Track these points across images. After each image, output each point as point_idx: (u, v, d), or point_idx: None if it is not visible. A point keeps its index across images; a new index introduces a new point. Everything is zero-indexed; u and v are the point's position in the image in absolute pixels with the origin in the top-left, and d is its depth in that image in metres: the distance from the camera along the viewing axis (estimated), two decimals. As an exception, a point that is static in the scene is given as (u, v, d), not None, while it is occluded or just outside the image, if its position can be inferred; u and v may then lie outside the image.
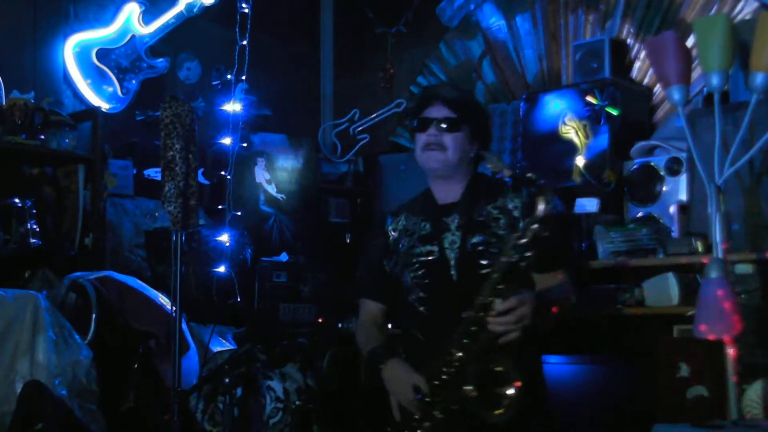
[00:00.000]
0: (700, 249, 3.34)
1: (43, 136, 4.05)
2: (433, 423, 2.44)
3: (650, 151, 3.76)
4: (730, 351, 2.88)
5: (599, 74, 4.00)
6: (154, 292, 3.84)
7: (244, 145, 4.47)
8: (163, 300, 3.78)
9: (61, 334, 3.31)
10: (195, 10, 4.66)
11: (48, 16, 4.49)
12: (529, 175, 2.43)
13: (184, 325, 3.74)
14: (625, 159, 3.78)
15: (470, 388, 2.35)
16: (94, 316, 3.53)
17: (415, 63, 5.27)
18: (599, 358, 3.54)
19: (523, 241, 2.31)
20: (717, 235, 2.98)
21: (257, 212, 4.69)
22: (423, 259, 2.63)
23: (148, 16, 4.69)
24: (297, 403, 3.62)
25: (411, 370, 2.51)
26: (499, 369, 2.34)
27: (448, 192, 2.68)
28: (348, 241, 4.99)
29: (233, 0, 4.16)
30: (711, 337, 2.87)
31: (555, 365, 3.29)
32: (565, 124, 3.99)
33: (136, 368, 3.60)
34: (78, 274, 3.74)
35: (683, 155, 3.56)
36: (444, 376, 2.41)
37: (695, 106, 3.62)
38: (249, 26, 4.08)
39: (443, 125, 2.62)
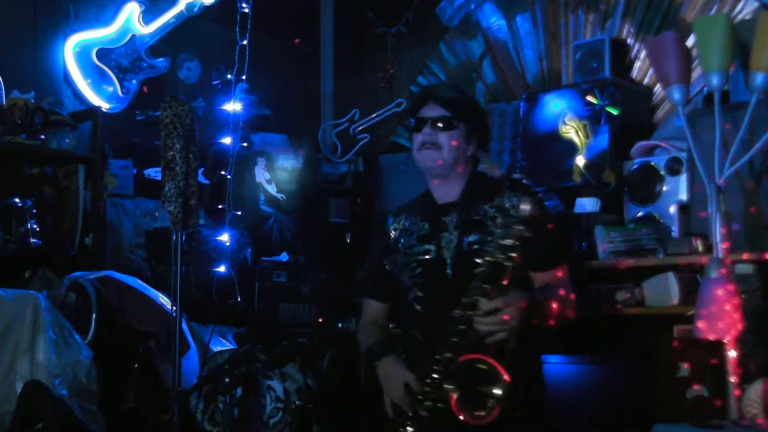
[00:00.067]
0: (700, 249, 3.34)
1: (43, 136, 4.05)
2: (422, 421, 2.45)
3: (650, 151, 3.75)
4: (730, 351, 2.88)
5: (599, 74, 4.00)
6: (154, 292, 3.84)
7: (244, 145, 4.47)
8: (163, 300, 3.78)
9: (61, 334, 3.31)
10: (195, 10, 4.66)
11: (48, 16, 4.49)
12: (515, 176, 2.45)
13: (184, 325, 3.74)
14: (625, 159, 3.78)
15: (451, 387, 2.37)
16: (94, 316, 3.53)
17: (415, 63, 5.27)
18: (599, 358, 3.54)
19: (508, 241, 2.32)
20: (717, 235, 2.98)
21: (257, 212, 4.70)
22: (420, 258, 2.65)
23: (148, 16, 4.69)
24: (297, 403, 3.62)
25: (404, 367, 2.53)
26: (482, 367, 2.35)
27: (447, 191, 2.69)
28: (348, 241, 4.99)
29: (233, 0, 4.16)
30: (711, 337, 2.87)
31: (555, 365, 3.29)
32: (565, 124, 3.99)
33: (136, 368, 3.60)
34: (78, 274, 3.74)
35: (683, 155, 3.56)
36: (434, 375, 2.42)
37: (695, 106, 3.62)
38: (249, 26, 4.08)
39: (439, 124, 2.64)
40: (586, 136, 3.91)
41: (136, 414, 3.55)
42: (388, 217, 2.83)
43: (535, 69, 4.67)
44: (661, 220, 3.58)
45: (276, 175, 4.80)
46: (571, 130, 3.97)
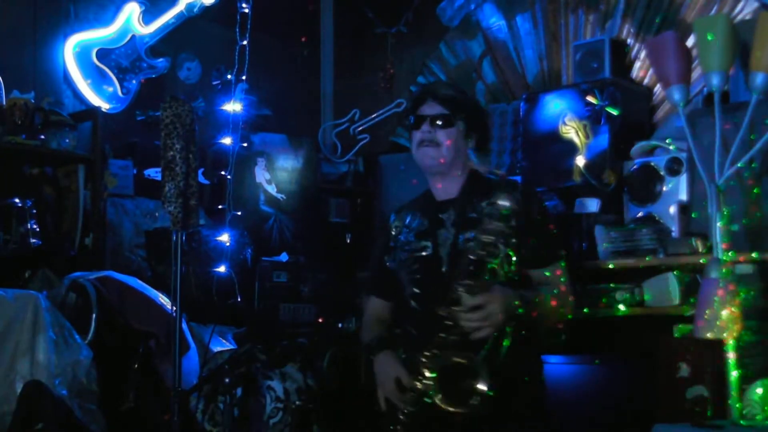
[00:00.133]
0: (700, 249, 3.34)
1: (43, 136, 4.05)
2: (412, 415, 2.46)
3: (650, 151, 3.75)
4: (730, 351, 2.88)
5: (599, 74, 4.00)
6: (154, 292, 3.84)
7: (244, 145, 4.47)
8: (163, 300, 3.78)
9: (61, 334, 3.31)
10: (195, 10, 4.66)
11: (48, 16, 4.49)
12: (499, 172, 2.48)
13: (184, 325, 3.74)
14: (625, 159, 3.78)
15: (429, 383, 2.38)
16: (94, 316, 3.53)
17: (415, 63, 5.27)
18: (599, 358, 3.53)
19: (487, 238, 2.34)
20: (717, 235, 2.98)
21: (257, 212, 4.69)
22: (417, 254, 2.66)
23: (148, 16, 4.69)
24: (297, 403, 3.62)
25: (397, 363, 2.55)
26: (461, 362, 2.36)
27: (446, 189, 2.70)
28: (348, 241, 4.99)
29: (233, 0, 4.16)
30: (711, 336, 2.87)
31: (555, 365, 3.29)
32: (565, 124, 3.99)
33: (136, 368, 3.60)
34: (78, 274, 3.74)
35: (683, 155, 3.56)
36: (421, 370, 2.44)
37: (695, 106, 3.61)
38: (249, 26, 4.08)
39: (438, 122, 2.65)
40: (586, 137, 3.91)
41: (136, 414, 3.55)
42: (391, 214, 2.85)
43: (536, 69, 4.67)
44: (661, 220, 3.58)
45: (276, 175, 4.80)
46: (571, 131, 3.97)
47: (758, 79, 2.99)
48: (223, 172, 4.27)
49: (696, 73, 3.62)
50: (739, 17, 3.80)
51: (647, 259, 3.45)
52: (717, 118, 3.04)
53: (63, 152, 4.13)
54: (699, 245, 3.34)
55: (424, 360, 2.43)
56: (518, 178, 4.07)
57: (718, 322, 2.84)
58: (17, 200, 3.76)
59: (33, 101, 4.05)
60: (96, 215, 4.21)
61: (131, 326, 3.64)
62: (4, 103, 4.00)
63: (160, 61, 4.73)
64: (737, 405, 2.86)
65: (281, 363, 3.67)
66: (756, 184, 3.20)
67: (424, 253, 2.65)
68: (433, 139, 2.64)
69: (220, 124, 4.44)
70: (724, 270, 2.89)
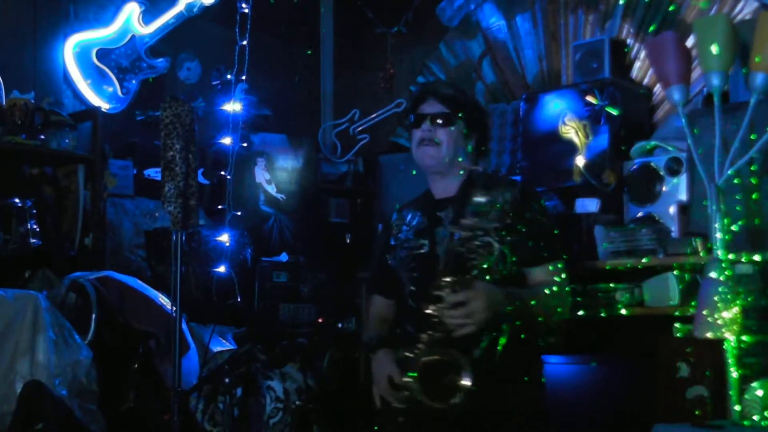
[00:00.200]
0: (700, 249, 3.34)
1: (43, 136, 4.05)
2: (405, 413, 2.47)
3: (650, 151, 3.75)
4: (730, 351, 2.88)
5: (599, 74, 4.00)
6: (154, 292, 3.84)
7: (244, 145, 4.47)
8: (163, 300, 3.78)
9: (61, 334, 3.31)
10: (195, 10, 4.66)
11: (48, 16, 4.49)
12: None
13: (184, 325, 3.74)
14: (625, 159, 3.78)
15: (409, 379, 2.39)
16: (94, 316, 3.53)
17: (415, 63, 5.27)
18: (599, 358, 3.54)
19: (466, 233, 2.35)
20: (717, 235, 2.98)
21: (257, 212, 4.69)
22: (415, 252, 2.67)
23: (148, 16, 4.69)
24: (297, 403, 3.62)
25: (391, 361, 2.56)
26: (443, 358, 2.36)
27: (446, 187, 2.71)
28: (348, 241, 4.99)
29: (233, 0, 4.16)
30: (710, 337, 2.87)
31: (555, 365, 3.29)
32: (565, 124, 3.99)
33: (136, 368, 3.60)
34: (78, 274, 3.74)
35: (683, 155, 3.56)
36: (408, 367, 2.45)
37: (695, 106, 3.61)
38: (249, 26, 4.08)
39: (438, 120, 2.66)
40: (586, 137, 3.91)
41: (136, 414, 3.55)
42: (393, 212, 2.86)
43: (535, 69, 4.67)
44: (661, 221, 3.58)
45: (276, 175, 4.80)
46: (571, 131, 3.96)
47: (758, 79, 2.99)
48: (222, 172, 4.26)
49: (696, 73, 3.62)
50: (739, 17, 3.80)
51: (646, 260, 3.45)
52: (717, 118, 3.04)
53: (63, 152, 4.13)
54: (699, 245, 3.34)
55: (408, 357, 2.44)
56: (518, 178, 4.07)
57: (718, 322, 2.84)
58: (17, 200, 3.76)
59: (33, 101, 4.05)
60: (96, 215, 4.21)
61: (131, 326, 3.64)
62: (4, 103, 4.00)
63: (160, 61, 4.73)
64: (737, 405, 2.86)
65: (281, 363, 3.68)
66: (756, 184, 3.20)
67: (421, 251, 2.66)
68: (433, 138, 2.65)
69: (219, 124, 4.44)
70: (724, 270, 2.89)
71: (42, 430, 3.08)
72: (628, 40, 4.26)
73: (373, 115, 5.18)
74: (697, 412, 3.00)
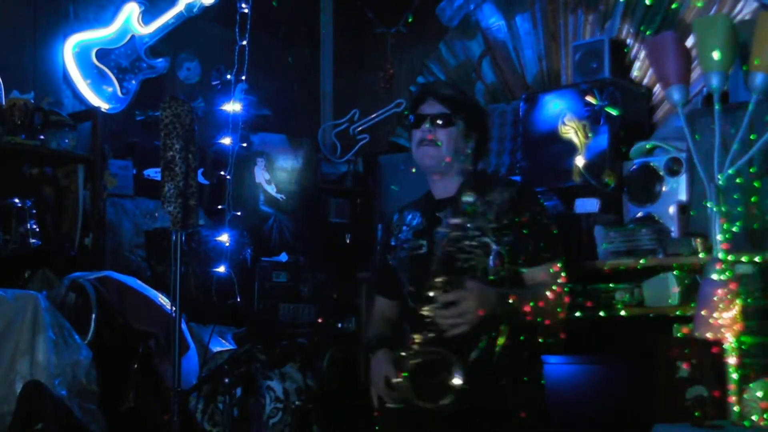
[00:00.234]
0: (700, 249, 3.34)
1: (42, 136, 4.05)
2: (402, 414, 2.47)
3: (650, 151, 3.76)
4: (730, 351, 2.88)
5: (599, 74, 3.99)
6: (154, 292, 3.84)
7: (244, 145, 4.47)
8: (163, 300, 3.78)
9: (61, 334, 3.31)
10: (195, 10, 4.66)
11: (48, 16, 4.49)
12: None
13: (183, 325, 3.74)
14: (624, 159, 3.78)
15: (400, 380, 2.39)
16: (94, 316, 3.53)
17: (415, 63, 5.27)
18: (599, 358, 3.54)
19: (454, 233, 2.36)
20: (717, 235, 2.98)
21: (257, 212, 4.69)
22: (414, 253, 2.68)
23: (147, 16, 4.69)
24: (297, 403, 3.62)
25: (388, 361, 2.56)
26: (434, 358, 2.36)
27: (446, 187, 2.72)
28: (348, 241, 4.99)
29: (233, 0, 4.16)
30: (710, 337, 2.87)
31: (555, 365, 3.29)
32: (564, 124, 3.99)
33: (136, 368, 3.60)
34: (78, 274, 3.74)
35: (683, 155, 3.56)
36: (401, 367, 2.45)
37: (695, 106, 3.61)
38: (249, 26, 4.08)
39: (438, 121, 2.66)
40: (586, 137, 3.91)
41: (136, 414, 3.55)
42: (395, 213, 2.86)
43: (535, 69, 4.67)
44: (661, 221, 3.58)
45: (276, 175, 4.80)
46: (571, 131, 3.96)
47: (758, 79, 2.99)
48: (222, 172, 4.26)
49: (696, 73, 3.62)
50: (739, 17, 3.80)
51: (645, 260, 3.45)
52: (716, 118, 3.04)
53: (63, 152, 4.13)
54: (699, 245, 3.34)
55: (402, 357, 2.44)
56: (518, 178, 4.07)
57: (718, 322, 2.84)
58: (17, 200, 3.76)
59: (33, 101, 4.05)
60: (96, 215, 4.21)
61: (131, 326, 3.64)
62: (4, 103, 4.00)
63: (160, 61, 4.73)
64: (737, 405, 2.86)
65: (281, 363, 3.67)
66: (755, 184, 3.20)
67: (420, 252, 2.67)
68: (433, 139, 2.65)
69: (219, 124, 4.44)
70: (723, 270, 2.89)
71: (42, 430, 3.07)
72: (628, 40, 4.26)
73: (372, 115, 5.18)
74: (697, 413, 2.99)
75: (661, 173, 3.62)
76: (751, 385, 2.88)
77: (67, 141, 4.12)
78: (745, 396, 2.87)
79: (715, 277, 2.88)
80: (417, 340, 2.44)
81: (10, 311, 3.24)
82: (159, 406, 3.51)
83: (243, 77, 4.22)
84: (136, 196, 4.53)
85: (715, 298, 2.85)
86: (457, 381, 2.34)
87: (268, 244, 4.63)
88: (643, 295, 3.48)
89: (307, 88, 5.63)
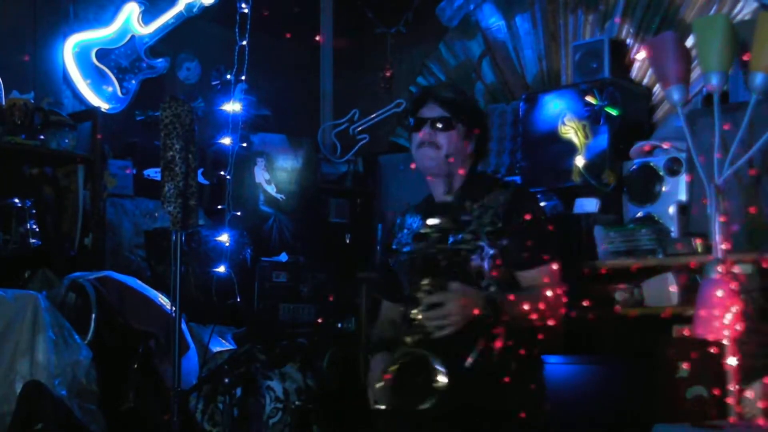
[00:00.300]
0: (699, 249, 3.34)
1: (42, 136, 4.05)
2: (399, 415, 2.47)
3: (649, 151, 3.76)
4: (730, 351, 2.88)
5: (598, 74, 4.00)
6: (154, 292, 3.84)
7: (244, 145, 4.47)
8: (163, 300, 3.78)
9: (60, 334, 3.31)
10: (195, 10, 4.66)
11: (48, 16, 4.49)
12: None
13: (183, 325, 3.74)
14: (624, 159, 3.78)
15: (381, 383, 2.39)
16: (93, 316, 3.53)
17: (415, 63, 5.27)
18: (599, 358, 3.54)
19: (435, 235, 2.37)
20: (716, 235, 2.98)
21: (257, 212, 4.70)
22: (413, 256, 2.67)
23: (147, 16, 4.69)
24: (297, 403, 3.62)
25: (384, 363, 2.55)
26: (415, 359, 2.36)
27: (444, 191, 2.71)
28: (348, 241, 4.99)
29: (233, 0, 4.16)
30: (710, 337, 2.87)
31: (555, 365, 3.29)
32: (564, 124, 3.99)
33: (136, 368, 3.60)
34: (78, 274, 3.74)
35: (683, 155, 3.56)
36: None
37: (695, 106, 3.61)
38: (248, 26, 4.08)
39: (438, 124, 2.66)
40: (586, 137, 3.91)
41: (136, 414, 3.55)
42: (397, 216, 2.87)
43: (535, 69, 4.67)
44: (661, 221, 3.58)
45: (275, 175, 4.80)
46: (571, 131, 3.97)
47: (758, 79, 2.99)
48: (222, 172, 4.26)
49: (696, 73, 3.62)
50: (739, 17, 3.80)
51: (641, 262, 3.45)
52: (716, 118, 3.04)
53: (63, 152, 4.13)
54: (698, 245, 3.34)
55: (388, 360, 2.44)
56: (518, 179, 4.07)
57: (717, 322, 2.84)
58: (17, 200, 3.76)
59: (33, 101, 4.05)
60: (95, 215, 4.21)
61: (131, 326, 3.64)
62: (4, 103, 4.00)
63: (160, 62, 4.73)
64: (737, 405, 2.86)
65: (281, 363, 3.67)
66: (755, 184, 3.20)
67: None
68: (434, 142, 2.66)
69: (219, 124, 4.44)
70: (723, 270, 2.89)
71: (42, 430, 3.07)
72: (628, 40, 4.26)
73: (372, 115, 5.18)
74: (696, 413, 2.99)
75: (661, 173, 3.62)
76: (751, 385, 2.88)
77: (67, 141, 4.13)
78: (745, 396, 2.87)
79: (714, 276, 2.88)
80: (407, 342, 2.44)
81: (10, 311, 3.24)
82: (159, 406, 3.51)
83: (243, 77, 4.22)
84: (136, 196, 4.53)
85: (715, 298, 2.85)
86: (440, 383, 2.33)
87: (268, 244, 4.63)
88: (643, 295, 3.48)
89: (307, 88, 5.63)
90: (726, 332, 2.84)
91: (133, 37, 4.67)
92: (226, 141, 4.24)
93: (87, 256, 4.14)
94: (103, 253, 4.25)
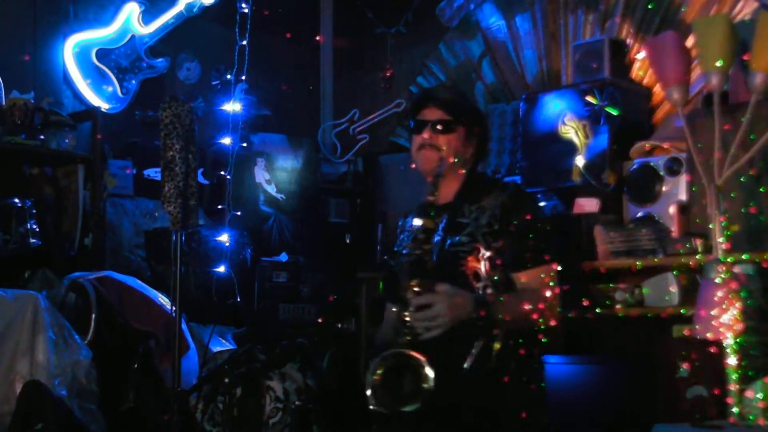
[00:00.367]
0: (700, 249, 3.34)
1: (42, 136, 4.05)
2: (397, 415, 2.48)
3: (650, 151, 3.76)
4: (730, 351, 2.88)
5: (599, 74, 3.99)
6: (154, 292, 3.84)
7: (244, 145, 4.48)
8: (163, 300, 3.78)
9: (60, 334, 3.31)
10: (195, 10, 4.66)
11: (48, 16, 4.49)
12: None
13: (183, 325, 3.74)
14: (624, 159, 3.78)
15: (370, 381, 2.39)
16: (93, 316, 3.54)
17: (415, 63, 5.27)
18: (599, 358, 3.54)
19: (421, 235, 2.37)
20: (716, 235, 2.97)
21: (257, 212, 4.70)
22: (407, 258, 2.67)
23: (147, 16, 4.70)
24: (297, 403, 3.62)
25: None
26: (408, 361, 2.36)
27: (444, 192, 2.71)
28: (348, 241, 4.99)
29: (233, 0, 4.16)
30: (710, 337, 2.87)
31: (555, 365, 3.29)
32: (564, 124, 3.99)
33: (136, 368, 3.60)
34: (78, 274, 3.74)
35: (683, 155, 3.56)
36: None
37: (695, 106, 3.61)
38: (249, 26, 4.08)
39: (438, 126, 2.66)
40: (586, 137, 3.91)
41: (136, 414, 3.55)
42: (400, 218, 2.87)
43: (535, 69, 4.67)
44: (661, 221, 3.58)
45: (275, 175, 4.80)
46: (571, 131, 3.96)
47: (758, 79, 2.99)
48: (222, 172, 4.27)
49: (696, 73, 3.62)
50: (739, 17, 3.80)
51: (641, 262, 3.45)
52: (716, 118, 3.04)
53: (63, 152, 4.13)
54: (699, 245, 3.34)
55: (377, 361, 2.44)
56: (518, 179, 4.07)
57: (717, 322, 2.84)
58: (17, 200, 3.76)
59: (33, 101, 4.05)
60: (96, 215, 4.21)
61: (131, 326, 3.64)
62: (4, 103, 4.00)
63: (160, 61, 4.73)
64: (737, 405, 2.86)
65: (281, 363, 3.67)
66: (755, 184, 3.20)
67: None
68: (434, 144, 2.66)
69: (219, 124, 4.44)
70: (723, 270, 2.89)
71: (42, 430, 3.07)
72: (628, 40, 4.26)
73: (372, 115, 5.19)
74: (696, 413, 3.00)
75: (661, 173, 3.62)
76: (751, 385, 2.88)
77: (67, 141, 4.13)
78: (745, 396, 2.87)
79: (715, 277, 2.88)
80: (399, 344, 2.43)
81: (10, 311, 3.24)
82: (159, 406, 3.51)
83: (243, 77, 4.23)
84: (136, 196, 4.53)
85: (715, 298, 2.85)
86: (426, 384, 2.32)
87: (268, 244, 4.64)
88: (643, 295, 3.48)
89: (307, 88, 5.63)
90: (726, 332, 2.84)
91: (133, 37, 4.67)
92: (226, 141, 4.25)
93: (87, 256, 4.15)
94: (103, 253, 4.25)
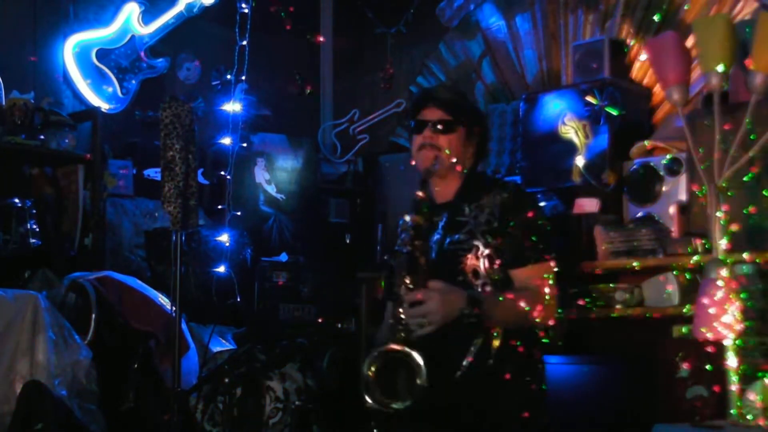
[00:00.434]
0: (700, 249, 3.34)
1: (42, 136, 4.05)
2: (396, 415, 2.47)
3: (650, 151, 3.75)
4: (730, 351, 2.88)
5: (599, 74, 3.99)
6: (154, 292, 3.84)
7: (244, 145, 4.48)
8: (163, 300, 3.78)
9: (60, 334, 3.31)
10: (195, 10, 4.66)
11: (48, 16, 4.49)
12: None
13: (183, 325, 3.74)
14: (624, 159, 3.78)
15: (364, 379, 2.39)
16: (94, 316, 3.54)
17: (415, 63, 5.27)
18: (599, 358, 3.53)
19: (412, 231, 2.38)
20: (717, 235, 2.97)
21: (257, 212, 4.70)
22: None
23: (147, 16, 4.70)
24: (297, 403, 3.62)
25: None
26: (401, 358, 2.36)
27: (444, 192, 2.73)
28: (348, 241, 4.99)
29: (233, 0, 4.16)
30: (710, 337, 2.86)
31: (555, 365, 3.29)
32: (564, 124, 3.99)
33: (136, 368, 3.60)
34: (78, 274, 3.74)
35: (683, 155, 3.56)
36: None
37: (695, 106, 3.61)
38: (249, 26, 4.08)
39: (438, 126, 2.67)
40: (586, 137, 3.91)
41: (136, 414, 3.55)
42: (400, 218, 2.87)
43: (535, 69, 4.67)
44: (661, 221, 3.58)
45: (276, 175, 4.80)
46: (571, 131, 3.96)
47: (758, 79, 2.99)
48: (222, 173, 4.27)
49: (696, 73, 3.62)
50: (739, 17, 3.80)
51: (640, 262, 3.45)
52: (717, 118, 3.04)
53: (63, 152, 4.13)
54: (699, 245, 3.34)
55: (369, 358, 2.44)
56: (518, 178, 4.07)
57: (717, 322, 2.84)
58: (17, 200, 3.76)
59: (33, 101, 4.05)
60: (96, 215, 4.21)
61: (131, 326, 3.64)
62: (4, 103, 4.00)
63: (160, 62, 4.74)
64: (737, 405, 2.86)
65: (281, 363, 3.67)
66: (756, 184, 3.20)
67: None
68: (434, 144, 2.66)
69: (219, 124, 4.44)
70: (723, 270, 2.89)
71: (42, 430, 3.07)
72: (628, 40, 4.26)
73: (372, 115, 5.19)
74: (696, 414, 3.00)
75: (661, 173, 3.62)
76: (750, 385, 2.88)
77: (67, 141, 4.13)
78: (745, 396, 2.87)
79: (715, 277, 2.88)
80: (395, 340, 2.43)
81: (10, 311, 3.24)
82: (159, 406, 3.51)
83: (243, 77, 4.23)
84: (136, 196, 4.53)
85: (715, 298, 2.84)
86: (419, 381, 2.32)
87: (268, 244, 4.64)
88: (642, 295, 3.48)
89: (308, 89, 5.62)
90: (726, 332, 2.84)
91: (133, 37, 4.67)
92: (226, 141, 4.25)
93: (87, 256, 4.15)
94: (103, 253, 4.25)
